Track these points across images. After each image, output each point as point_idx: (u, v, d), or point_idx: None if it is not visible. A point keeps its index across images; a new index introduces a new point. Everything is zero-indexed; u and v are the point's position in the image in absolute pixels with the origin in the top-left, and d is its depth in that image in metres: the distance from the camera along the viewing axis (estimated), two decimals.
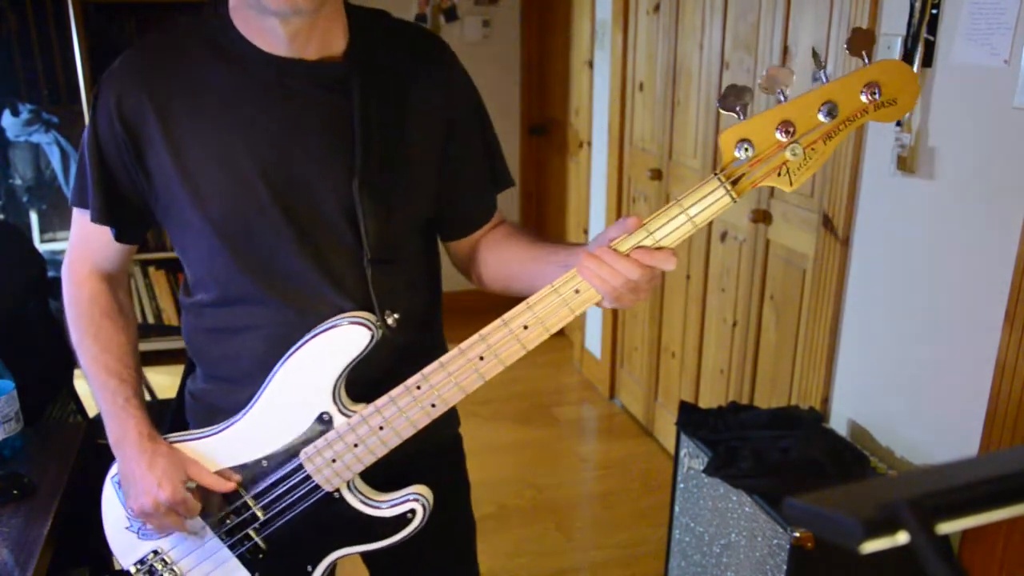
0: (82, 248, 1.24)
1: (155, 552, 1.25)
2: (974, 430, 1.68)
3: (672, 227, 1.00)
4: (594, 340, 3.76)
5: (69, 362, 2.43)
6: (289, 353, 1.12)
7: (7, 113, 4.71)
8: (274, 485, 1.17)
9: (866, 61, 0.94)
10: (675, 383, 3.05)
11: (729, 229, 2.59)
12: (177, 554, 1.25)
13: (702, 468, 1.92)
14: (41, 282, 2.38)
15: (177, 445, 1.19)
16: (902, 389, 1.89)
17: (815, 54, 0.96)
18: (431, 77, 1.16)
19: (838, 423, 2.10)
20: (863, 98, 0.94)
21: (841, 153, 1.96)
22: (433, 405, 1.10)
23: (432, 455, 1.27)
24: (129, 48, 1.13)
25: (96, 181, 1.14)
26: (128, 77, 1.10)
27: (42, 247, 5.21)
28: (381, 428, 1.11)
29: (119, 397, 1.18)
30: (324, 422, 1.13)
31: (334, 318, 1.10)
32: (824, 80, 0.95)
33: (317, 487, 1.16)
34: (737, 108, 0.97)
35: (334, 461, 1.14)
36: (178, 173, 1.09)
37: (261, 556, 1.22)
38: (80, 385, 2.45)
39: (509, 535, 2.65)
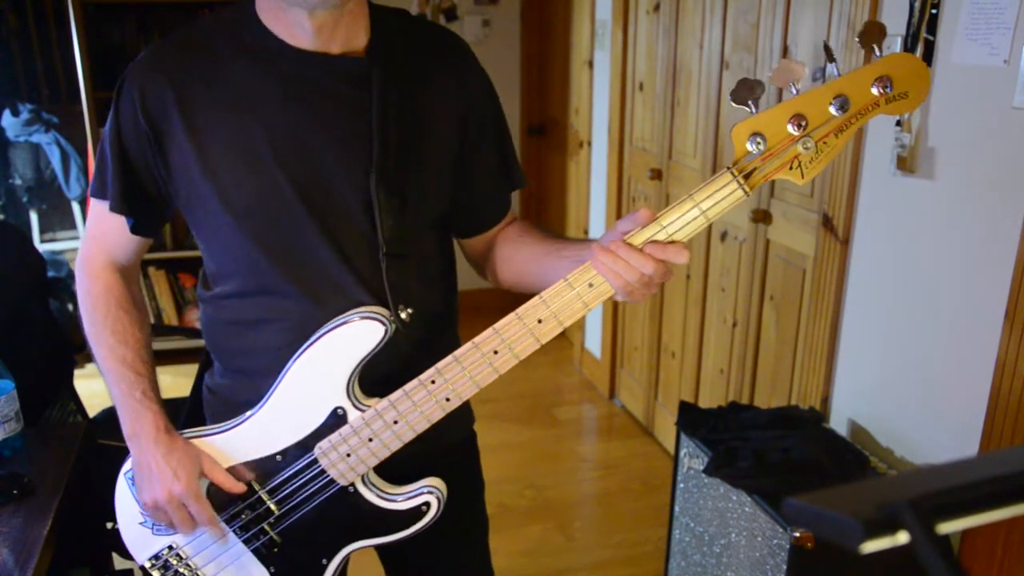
0: (98, 240, 1.25)
1: (170, 547, 1.26)
2: (974, 430, 1.68)
3: (684, 221, 1.00)
4: (594, 340, 3.76)
5: (69, 362, 2.43)
6: (303, 348, 1.12)
7: (7, 113, 4.71)
8: (289, 480, 1.18)
9: (877, 54, 0.94)
10: (675, 383, 3.05)
11: (729, 229, 2.59)
12: (192, 549, 1.25)
13: (702, 468, 1.92)
14: (41, 282, 2.38)
15: (192, 441, 1.20)
16: (902, 389, 1.89)
17: (827, 47, 0.96)
18: (449, 75, 1.18)
19: (838, 423, 2.10)
20: (874, 91, 0.94)
21: (841, 153, 1.96)
22: (447, 399, 1.10)
23: (446, 453, 1.28)
24: (153, 41, 1.16)
25: (116, 171, 1.15)
26: (151, 69, 1.11)
27: (42, 247, 5.21)
28: (395, 423, 1.12)
29: (136, 391, 1.19)
30: (338, 417, 1.13)
31: (347, 313, 1.11)
32: (835, 73, 0.95)
33: (332, 481, 1.16)
34: (749, 102, 0.96)
35: (349, 455, 1.14)
36: (200, 165, 1.10)
37: (276, 550, 1.23)
38: (80, 385, 2.45)
39: (509, 535, 2.65)
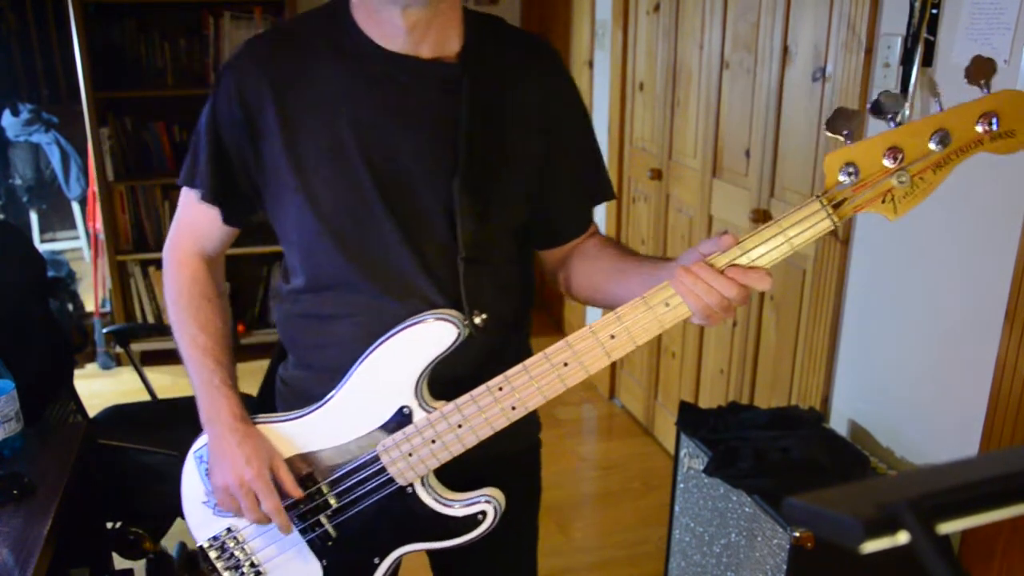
0: (187, 228, 1.27)
1: (228, 530, 1.27)
2: (974, 430, 1.68)
3: (768, 247, 0.98)
4: None
5: (69, 362, 2.43)
6: (375, 345, 1.13)
7: (7, 113, 4.71)
8: (349, 474, 1.19)
9: (985, 90, 0.90)
10: (675, 383, 3.06)
11: (730, 229, 2.58)
12: (250, 533, 1.27)
13: (702, 468, 1.92)
14: (41, 282, 2.38)
15: (260, 427, 1.22)
16: (902, 389, 1.89)
17: (931, 81, 0.93)
18: (539, 85, 1.18)
19: (838, 423, 2.10)
20: (978, 128, 0.91)
21: None
22: (513, 408, 1.11)
23: (508, 462, 1.27)
24: (252, 37, 1.18)
25: (210, 160, 1.17)
26: (250, 63, 1.14)
27: (42, 247, 5.22)
28: (459, 426, 1.12)
29: (215, 378, 1.22)
30: (404, 416, 1.14)
31: (422, 313, 1.12)
32: (938, 108, 0.92)
33: (391, 480, 1.17)
34: (845, 132, 0.94)
35: (410, 455, 1.15)
36: (289, 160, 1.12)
37: (330, 544, 1.24)
38: (80, 385, 2.45)
39: None
